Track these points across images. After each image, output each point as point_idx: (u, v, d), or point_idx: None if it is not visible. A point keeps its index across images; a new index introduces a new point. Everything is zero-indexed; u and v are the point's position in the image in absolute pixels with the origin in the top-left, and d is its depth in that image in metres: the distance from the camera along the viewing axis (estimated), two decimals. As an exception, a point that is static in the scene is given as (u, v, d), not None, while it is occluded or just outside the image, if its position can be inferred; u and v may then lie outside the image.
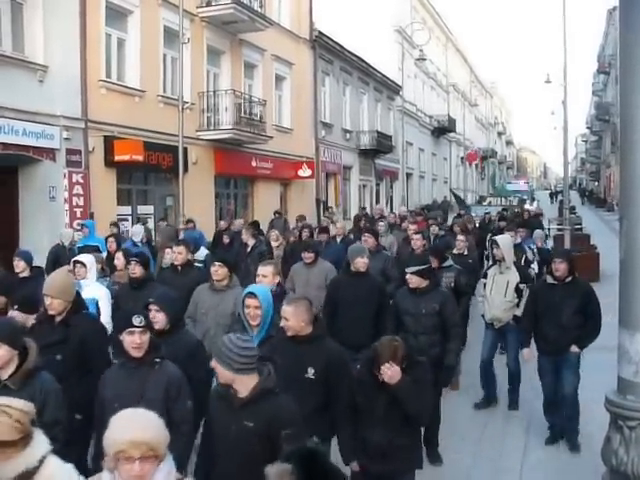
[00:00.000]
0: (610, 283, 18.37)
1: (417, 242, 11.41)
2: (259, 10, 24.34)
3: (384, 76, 41.53)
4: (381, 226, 14.68)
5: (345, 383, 5.27)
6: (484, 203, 41.12)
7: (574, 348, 7.61)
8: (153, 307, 5.62)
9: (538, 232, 15.38)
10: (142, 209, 20.90)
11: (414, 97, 49.88)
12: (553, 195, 72.81)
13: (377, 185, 42.78)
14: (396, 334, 6.48)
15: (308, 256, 9.78)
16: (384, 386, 4.99)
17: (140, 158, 18.84)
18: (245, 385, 4.23)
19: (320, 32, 32.20)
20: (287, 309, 5.28)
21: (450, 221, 23.20)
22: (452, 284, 9.30)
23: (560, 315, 7.61)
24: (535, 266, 12.79)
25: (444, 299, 7.31)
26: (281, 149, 27.83)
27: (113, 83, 19.21)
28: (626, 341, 4.63)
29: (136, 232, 14.17)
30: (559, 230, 27.04)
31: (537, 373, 8.14)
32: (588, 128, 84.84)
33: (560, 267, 7.64)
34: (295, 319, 5.24)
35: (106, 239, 12.96)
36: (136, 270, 8.16)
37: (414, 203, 44.96)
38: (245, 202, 27.27)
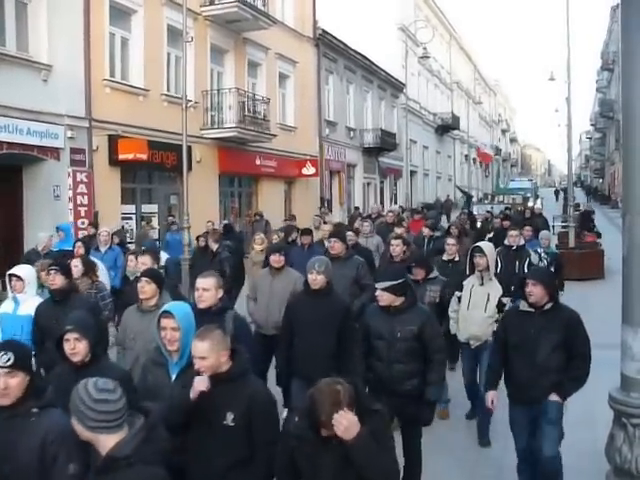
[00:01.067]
0: (615, 280, 18.38)
1: (396, 248, 9.99)
2: (263, 9, 24.37)
3: (388, 74, 41.54)
4: (366, 226, 13.89)
5: (272, 433, 4.34)
6: (486, 201, 40.99)
7: (554, 397, 5.91)
8: (72, 336, 4.67)
9: (544, 233, 13.72)
10: (146, 208, 20.95)
11: (418, 95, 49.89)
12: (557, 193, 72.43)
13: (381, 183, 42.83)
14: (365, 362, 6.13)
15: (276, 260, 8.52)
16: (331, 443, 3.84)
17: (144, 157, 18.89)
18: (103, 448, 3.30)
19: (324, 30, 32.23)
20: (201, 345, 4.26)
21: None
22: (437, 299, 8.28)
23: (535, 352, 5.90)
24: None
25: (424, 320, 6.05)
26: (285, 147, 27.85)
27: (117, 82, 19.25)
28: (629, 338, 4.63)
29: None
30: (564, 227, 27.03)
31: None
32: (592, 125, 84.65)
33: (534, 291, 5.88)
34: (214, 356, 4.27)
35: (74, 243, 11.77)
36: (56, 280, 7.09)
37: (418, 201, 44.95)
38: (249, 201, 27.29)
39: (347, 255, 9.20)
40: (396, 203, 42.99)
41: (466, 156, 69.10)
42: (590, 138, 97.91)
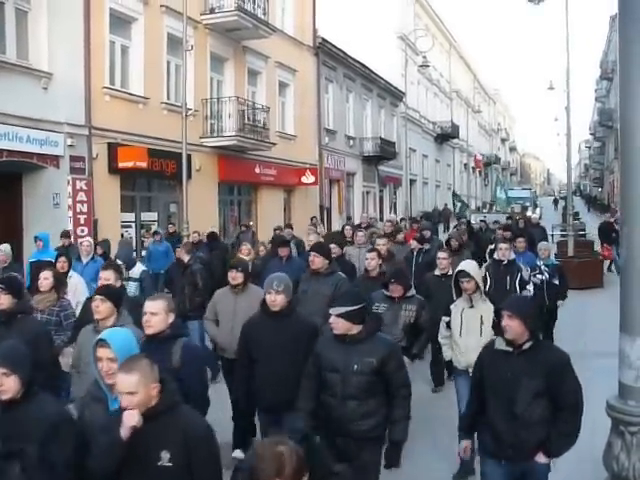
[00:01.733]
0: (614, 289, 18.40)
1: (371, 262, 9.14)
2: (263, 17, 24.38)
3: (387, 83, 41.61)
4: (360, 236, 12.91)
5: (213, 472, 3.92)
6: (484, 210, 40.63)
7: (541, 458, 4.84)
8: None
9: (543, 244, 12.56)
10: (146, 216, 20.95)
11: (417, 104, 49.95)
12: (556, 201, 72.24)
13: (380, 192, 42.84)
14: (317, 399, 5.37)
15: (233, 277, 7.70)
16: None
17: (144, 165, 18.89)
18: None
19: (323, 39, 32.28)
20: (128, 379, 3.70)
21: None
22: (412, 319, 7.59)
23: (513, 401, 4.79)
24: (531, 289, 10.63)
25: (386, 352, 5.25)
26: (284, 156, 27.86)
27: (117, 90, 19.26)
28: (627, 346, 4.65)
29: None
30: (562, 236, 27.06)
31: None
32: (591, 134, 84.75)
33: (511, 325, 4.77)
34: (144, 390, 3.72)
35: (56, 257, 10.63)
36: (2, 300, 6.53)
37: (417, 210, 44.95)
38: (249, 209, 27.28)
39: (328, 271, 8.31)
40: (395, 212, 43.07)
41: (465, 165, 69.17)
42: (589, 147, 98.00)
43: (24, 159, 16.17)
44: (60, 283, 8.05)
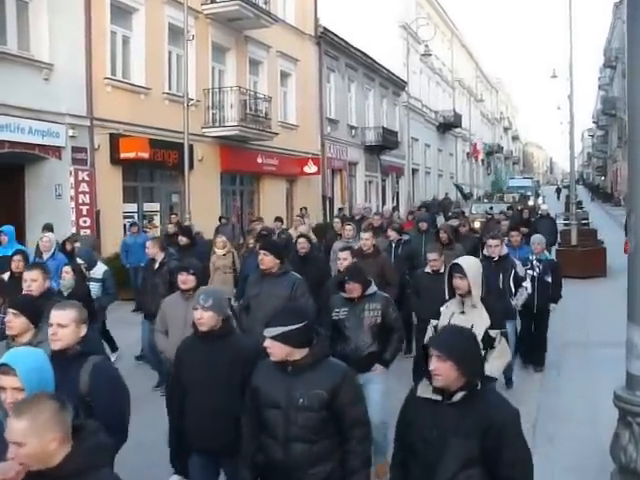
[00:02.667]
0: (617, 279, 18.35)
1: (343, 262, 8.15)
2: (264, 7, 24.34)
3: (389, 72, 41.49)
4: (348, 230, 12.03)
5: None
6: (485, 200, 40.37)
7: None
8: None
9: (536, 237, 11.11)
10: (148, 206, 20.95)
11: (419, 93, 49.83)
12: (559, 191, 71.82)
13: (383, 181, 42.81)
14: (255, 440, 4.21)
15: (183, 280, 6.81)
16: None
17: (146, 155, 18.89)
18: None
19: (325, 28, 32.19)
20: (16, 425, 2.80)
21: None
22: (378, 319, 6.61)
23: (435, 468, 3.53)
24: (528, 285, 9.59)
25: (338, 380, 4.02)
26: (287, 146, 27.82)
27: (118, 81, 19.22)
28: (635, 336, 4.61)
29: None
30: (566, 225, 26.99)
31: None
32: (594, 123, 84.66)
33: (441, 369, 3.52)
34: (36, 442, 2.77)
35: (13, 254, 9.58)
36: None
37: (420, 199, 44.89)
38: (251, 199, 27.27)
39: (281, 271, 7.40)
40: (398, 201, 43.01)
41: (468, 154, 69.03)
42: (592, 136, 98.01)
43: (26, 150, 16.15)
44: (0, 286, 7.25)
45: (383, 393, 6.48)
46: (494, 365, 5.63)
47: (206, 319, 4.87)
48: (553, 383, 9.43)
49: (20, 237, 16.28)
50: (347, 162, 35.76)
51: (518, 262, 9.56)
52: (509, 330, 8.13)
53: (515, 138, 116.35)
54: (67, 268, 8.38)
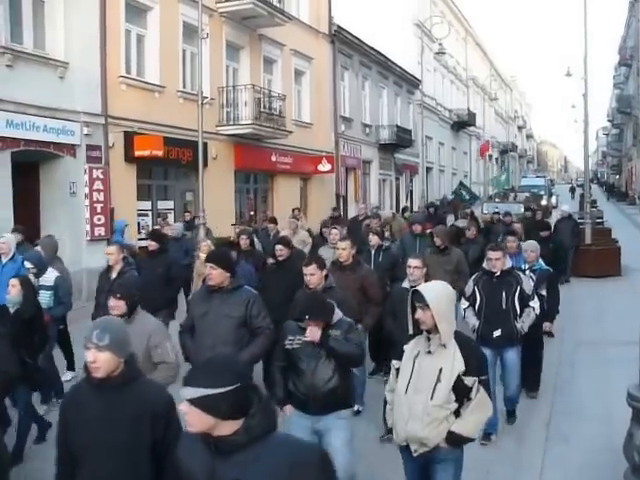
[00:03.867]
0: (632, 277, 18.30)
1: (311, 279, 6.87)
2: (278, 5, 24.36)
3: (403, 70, 41.43)
4: (334, 234, 10.89)
5: None
6: (497, 200, 39.00)
7: None
8: None
9: (529, 243, 9.89)
10: (162, 204, 21.00)
11: (434, 91, 49.76)
12: (573, 190, 71.17)
13: (397, 180, 42.75)
14: None
15: (114, 305, 5.63)
16: None
17: (160, 153, 18.92)
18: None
19: (339, 26, 32.16)
20: None
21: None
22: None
23: None
24: (536, 305, 7.81)
25: (286, 469, 2.59)
26: (301, 144, 27.84)
27: (133, 79, 19.29)
28: (649, 335, 4.59)
29: None
30: (580, 224, 26.86)
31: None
32: (609, 121, 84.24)
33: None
34: None
35: None
36: None
37: (434, 197, 44.78)
38: (265, 197, 27.29)
39: (233, 285, 6.37)
40: (412, 200, 42.90)
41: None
42: (607, 134, 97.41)
43: (41, 148, 16.23)
44: None
45: (348, 441, 5.44)
46: (470, 422, 4.60)
47: (100, 362, 3.64)
48: (567, 382, 9.41)
49: (35, 235, 16.41)
50: (361, 160, 35.74)
51: (524, 277, 8.04)
52: (513, 357, 7.65)
53: (529, 136, 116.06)
54: (14, 281, 7.42)
